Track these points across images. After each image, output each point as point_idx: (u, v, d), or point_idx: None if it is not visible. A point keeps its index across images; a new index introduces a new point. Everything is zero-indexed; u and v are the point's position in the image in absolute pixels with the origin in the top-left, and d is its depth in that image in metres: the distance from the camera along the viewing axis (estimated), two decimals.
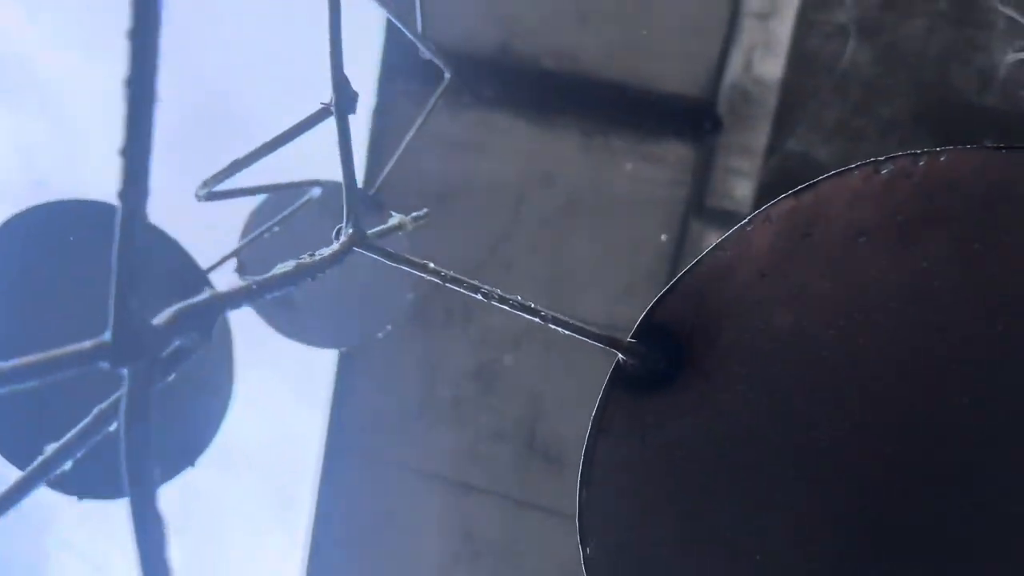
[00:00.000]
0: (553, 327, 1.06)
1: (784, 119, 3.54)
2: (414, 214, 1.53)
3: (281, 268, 0.98)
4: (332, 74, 1.21)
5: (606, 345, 0.98)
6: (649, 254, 4.17)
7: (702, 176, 4.00)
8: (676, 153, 4.05)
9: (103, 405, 0.72)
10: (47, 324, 1.72)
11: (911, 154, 0.84)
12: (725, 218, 3.86)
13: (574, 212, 4.26)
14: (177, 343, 0.74)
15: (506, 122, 4.27)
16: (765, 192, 3.56)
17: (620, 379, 1.00)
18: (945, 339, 0.82)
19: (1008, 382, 0.79)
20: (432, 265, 1.19)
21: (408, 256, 1.16)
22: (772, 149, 3.52)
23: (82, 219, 1.79)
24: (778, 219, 0.91)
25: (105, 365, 0.65)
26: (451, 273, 1.11)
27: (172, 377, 0.73)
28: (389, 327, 2.78)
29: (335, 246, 1.10)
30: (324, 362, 4.63)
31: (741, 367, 0.91)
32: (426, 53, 2.22)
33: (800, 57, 3.53)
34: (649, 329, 0.97)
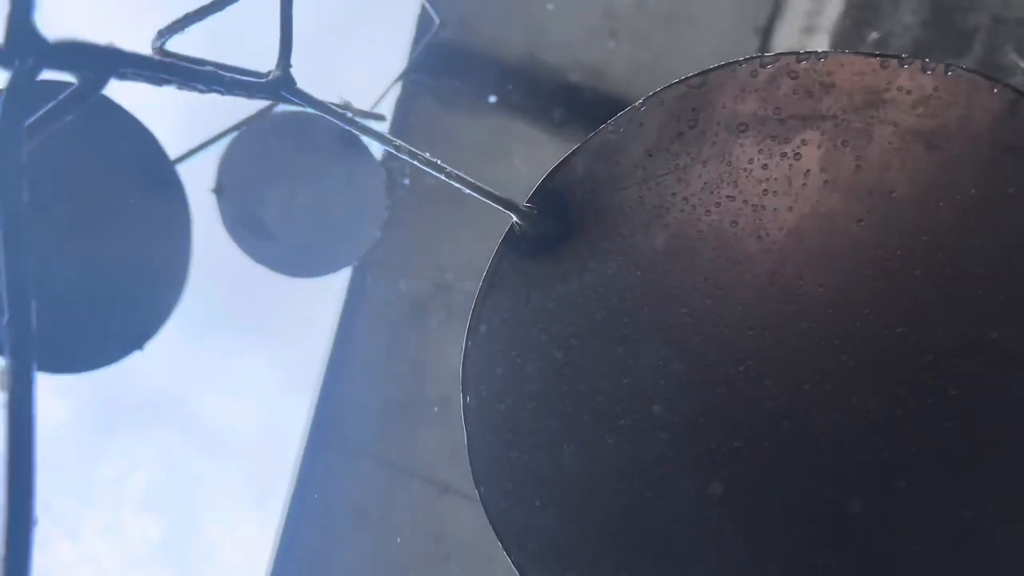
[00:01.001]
0: (456, 185, 1.12)
1: None
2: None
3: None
4: None
5: (503, 207, 1.05)
6: None
7: None
8: None
9: None
10: None
11: (794, 53, 0.90)
12: None
13: None
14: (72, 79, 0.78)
15: (524, 130, 4.28)
16: None
17: (513, 240, 1.09)
18: (808, 225, 0.89)
19: (855, 266, 0.87)
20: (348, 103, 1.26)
21: (327, 103, 1.17)
22: None
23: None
24: (669, 102, 0.96)
25: None
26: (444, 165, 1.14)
27: (68, 120, 0.75)
28: (355, 262, 2.81)
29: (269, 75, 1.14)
30: (318, 352, 4.62)
31: (622, 238, 0.98)
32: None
33: None
34: (543, 195, 1.04)
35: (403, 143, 1.13)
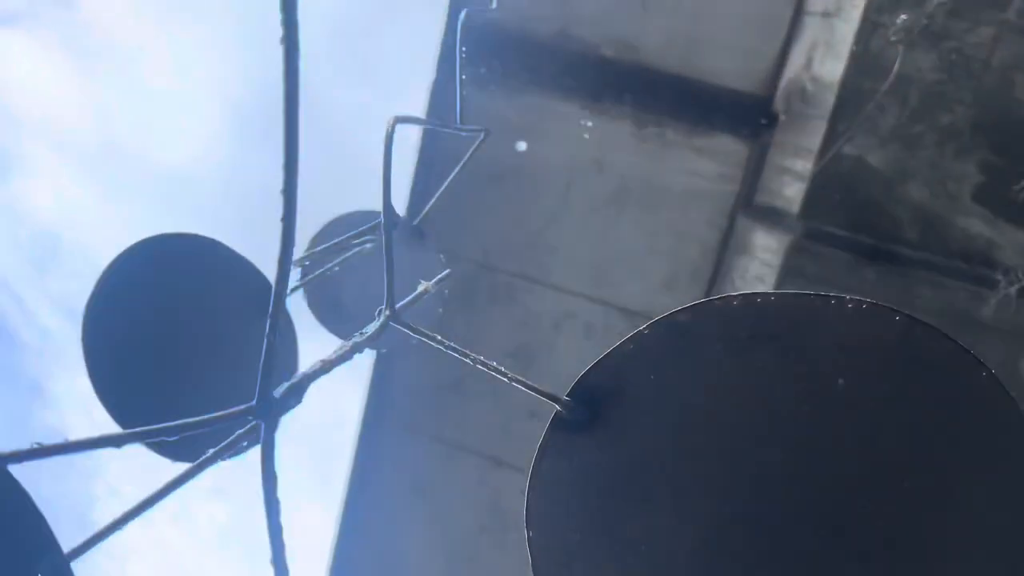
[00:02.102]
0: (504, 379, 1.62)
1: (840, 121, 3.52)
2: (437, 278, 2.06)
3: (340, 349, 1.54)
4: (383, 199, 1.70)
5: (551, 400, 1.48)
6: (694, 247, 4.19)
7: (753, 173, 4.00)
8: (729, 148, 4.05)
9: (241, 431, 1.30)
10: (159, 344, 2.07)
11: (753, 294, 1.33)
12: (774, 216, 3.86)
13: (622, 200, 4.29)
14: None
15: (561, 107, 4.31)
16: (815, 194, 3.55)
17: (557, 422, 1.49)
18: (769, 413, 1.35)
19: (809, 444, 1.34)
20: (453, 344, 1.69)
21: (435, 335, 1.73)
22: (825, 150, 3.50)
23: (185, 253, 2.26)
24: (666, 327, 1.38)
25: (251, 420, 1.14)
26: (480, 358, 1.67)
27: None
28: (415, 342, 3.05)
29: (375, 324, 1.63)
30: None
31: (637, 421, 1.42)
32: None
33: (861, 59, 3.50)
34: (579, 391, 1.47)
35: (444, 339, 1.69)
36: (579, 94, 4.27)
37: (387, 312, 1.69)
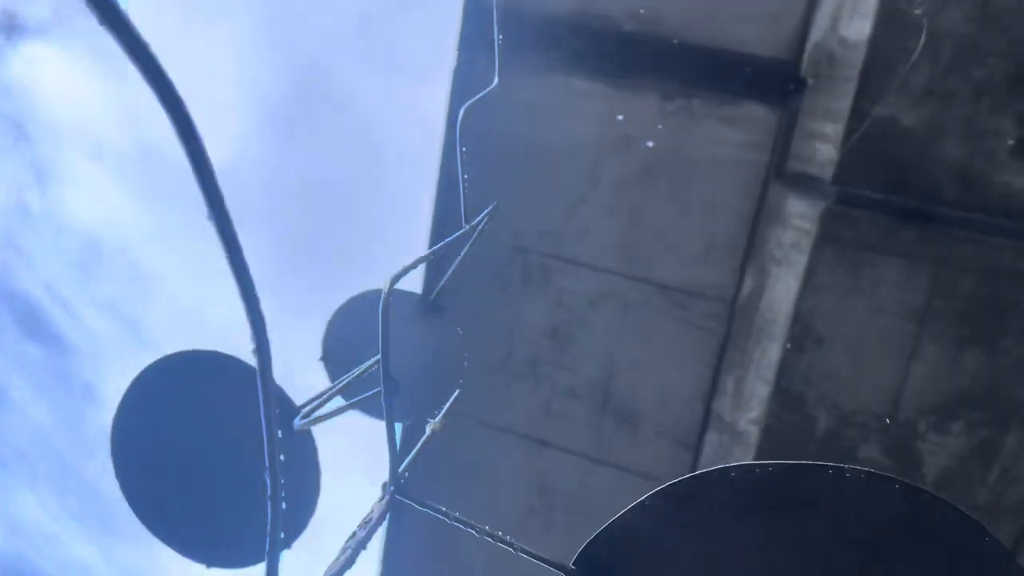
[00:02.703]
0: (508, 548, 1.72)
1: (870, 82, 3.45)
2: (439, 415, 2.16)
3: (352, 540, 1.65)
4: (382, 371, 1.76)
5: (557, 569, 1.57)
6: (727, 218, 4.15)
7: (784, 140, 3.94)
8: (757, 116, 3.99)
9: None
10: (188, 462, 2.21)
11: (752, 464, 1.41)
12: (806, 183, 3.81)
13: (652, 175, 4.26)
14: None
15: (585, 85, 4.28)
16: (848, 158, 3.49)
17: None
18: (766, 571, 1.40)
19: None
20: (458, 514, 1.80)
21: (440, 506, 1.83)
22: (856, 113, 3.44)
23: (211, 371, 2.43)
24: (666, 497, 1.46)
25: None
26: (486, 527, 1.76)
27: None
28: (443, 409, 3.10)
29: (381, 500, 1.74)
30: None
31: None
32: None
33: (889, 16, 3.42)
34: (583, 559, 1.55)
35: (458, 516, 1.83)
36: (603, 71, 4.24)
37: (391, 488, 1.77)
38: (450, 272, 3.02)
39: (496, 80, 3.43)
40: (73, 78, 21.06)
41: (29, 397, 20.48)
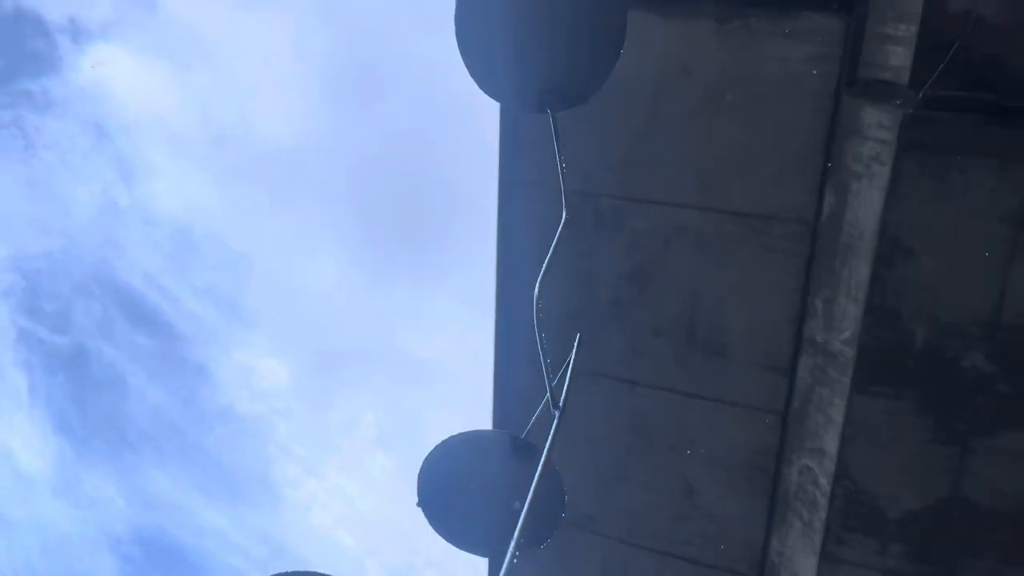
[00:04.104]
0: None
1: None
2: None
3: None
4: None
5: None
6: (800, 137, 3.99)
7: (852, 48, 3.74)
8: (821, 26, 3.79)
9: None
10: None
11: None
12: (881, 90, 3.61)
13: (716, 102, 4.12)
14: None
15: (637, 17, 4.15)
16: (925, 59, 3.29)
17: None
18: None
19: None
20: None
21: None
22: (930, 9, 3.22)
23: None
24: None
25: None
26: None
27: None
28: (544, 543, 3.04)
29: None
30: (487, 278, 4.84)
31: None
32: None
33: None
34: None
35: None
36: (651, 1, 4.10)
37: None
38: (538, 412, 2.91)
39: None
40: (141, 74, 21.72)
41: (144, 382, 21.76)
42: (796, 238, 4.13)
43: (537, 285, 2.17)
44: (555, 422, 1.88)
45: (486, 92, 2.72)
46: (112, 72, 21.40)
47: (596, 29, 2.56)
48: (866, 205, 3.72)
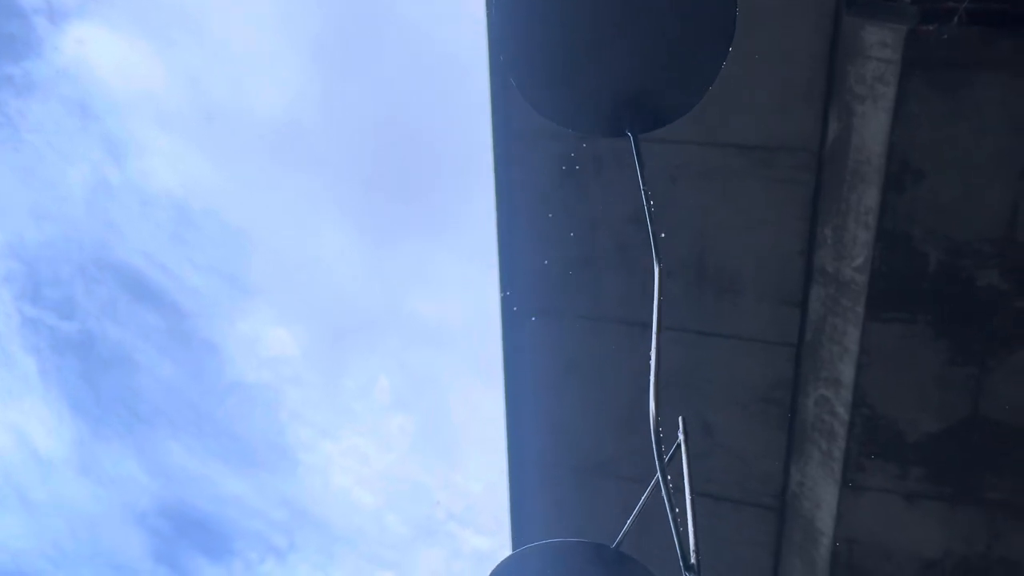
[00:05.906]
0: None
1: None
2: None
3: None
4: None
5: None
6: (800, 62, 3.88)
7: None
8: None
9: None
10: None
11: None
12: (882, 7, 3.50)
13: None
14: None
15: None
16: None
17: None
18: None
19: None
20: None
21: None
22: None
23: None
24: None
25: None
26: None
27: None
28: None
29: None
30: (487, 231, 4.78)
31: None
32: None
33: None
34: None
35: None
36: None
37: None
38: (633, 518, 2.53)
39: None
40: (124, 51, 21.33)
41: (153, 358, 21.85)
42: (802, 167, 4.05)
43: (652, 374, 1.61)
44: None
45: (538, 109, 2.04)
46: (93, 51, 21.00)
47: (700, 17, 1.82)
48: (872, 128, 3.63)
